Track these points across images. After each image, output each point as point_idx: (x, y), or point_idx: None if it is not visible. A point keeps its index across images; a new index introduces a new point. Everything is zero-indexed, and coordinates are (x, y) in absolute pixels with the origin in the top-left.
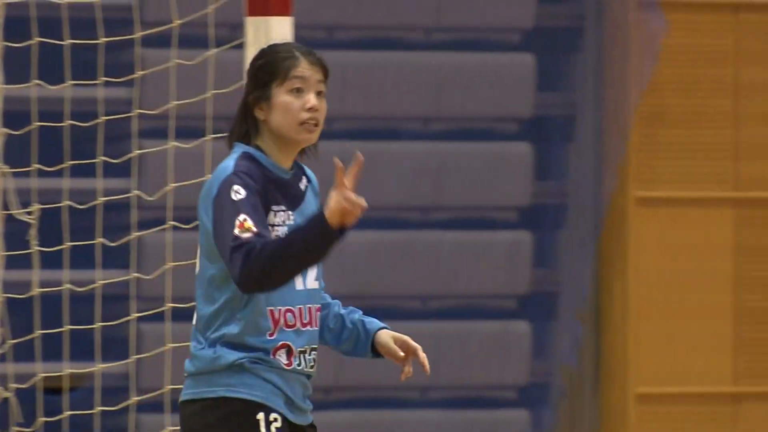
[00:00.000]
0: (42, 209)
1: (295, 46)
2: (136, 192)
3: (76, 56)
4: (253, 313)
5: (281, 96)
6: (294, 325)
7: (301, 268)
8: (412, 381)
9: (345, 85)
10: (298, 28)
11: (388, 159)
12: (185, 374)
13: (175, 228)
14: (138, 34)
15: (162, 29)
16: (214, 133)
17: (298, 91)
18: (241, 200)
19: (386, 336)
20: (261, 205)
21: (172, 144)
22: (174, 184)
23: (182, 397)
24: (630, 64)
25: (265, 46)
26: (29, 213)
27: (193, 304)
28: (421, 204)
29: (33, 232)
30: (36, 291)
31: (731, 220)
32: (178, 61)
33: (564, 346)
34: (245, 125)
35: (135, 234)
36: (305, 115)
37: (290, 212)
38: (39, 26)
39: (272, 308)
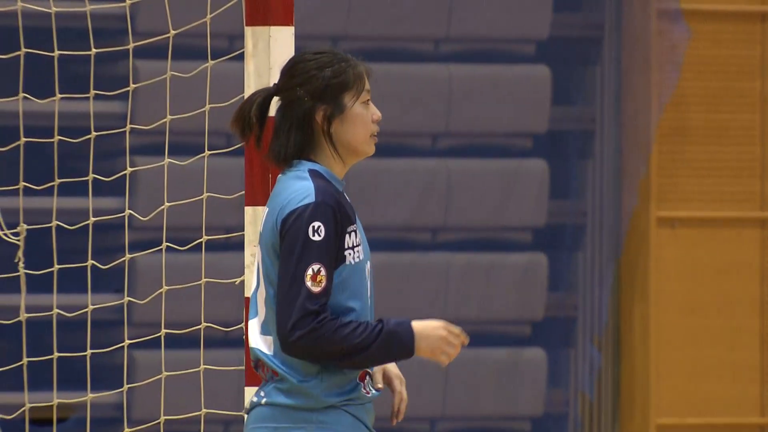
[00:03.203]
0: (29, 230)
1: (345, 53)
2: (129, 212)
3: (66, 68)
4: None
5: (356, 108)
6: None
7: (354, 368)
8: (421, 411)
9: None
10: (300, 38)
11: (395, 177)
12: (264, 402)
13: (169, 250)
14: (131, 45)
15: (156, 39)
16: (211, 149)
17: (367, 103)
18: (318, 243)
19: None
20: (334, 246)
21: (167, 161)
22: (169, 204)
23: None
24: (651, 77)
25: (313, 53)
26: (16, 234)
27: (190, 329)
28: (430, 224)
29: (20, 254)
30: (23, 316)
31: (758, 241)
32: (173, 73)
33: (581, 374)
34: (302, 138)
35: (127, 256)
36: (375, 127)
37: (358, 226)
38: (27, 37)
39: None
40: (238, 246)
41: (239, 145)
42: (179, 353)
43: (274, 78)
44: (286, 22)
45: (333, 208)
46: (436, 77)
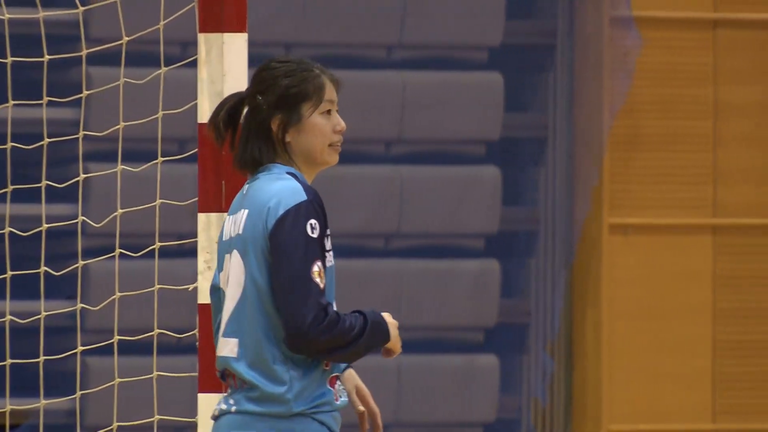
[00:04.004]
0: None
1: (312, 62)
2: (82, 218)
3: (19, 75)
4: None
5: (314, 118)
6: None
7: (345, 360)
8: None
9: None
10: (253, 45)
11: (348, 183)
12: (233, 410)
13: (122, 256)
14: (83, 52)
15: (109, 46)
16: (164, 156)
17: (328, 113)
18: (316, 240)
19: (350, 384)
20: (324, 245)
21: (120, 167)
22: (122, 210)
23: None
24: (603, 83)
25: (278, 61)
26: None
27: (143, 336)
28: (383, 231)
29: None
30: None
31: (710, 247)
32: (126, 79)
33: (534, 380)
34: (260, 145)
35: (80, 262)
36: (336, 138)
37: None
38: None
39: None
40: (191, 252)
41: (192, 152)
42: (132, 360)
43: (227, 85)
44: (239, 29)
45: (322, 208)
46: (389, 84)
